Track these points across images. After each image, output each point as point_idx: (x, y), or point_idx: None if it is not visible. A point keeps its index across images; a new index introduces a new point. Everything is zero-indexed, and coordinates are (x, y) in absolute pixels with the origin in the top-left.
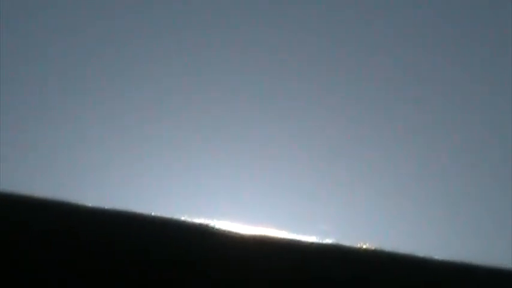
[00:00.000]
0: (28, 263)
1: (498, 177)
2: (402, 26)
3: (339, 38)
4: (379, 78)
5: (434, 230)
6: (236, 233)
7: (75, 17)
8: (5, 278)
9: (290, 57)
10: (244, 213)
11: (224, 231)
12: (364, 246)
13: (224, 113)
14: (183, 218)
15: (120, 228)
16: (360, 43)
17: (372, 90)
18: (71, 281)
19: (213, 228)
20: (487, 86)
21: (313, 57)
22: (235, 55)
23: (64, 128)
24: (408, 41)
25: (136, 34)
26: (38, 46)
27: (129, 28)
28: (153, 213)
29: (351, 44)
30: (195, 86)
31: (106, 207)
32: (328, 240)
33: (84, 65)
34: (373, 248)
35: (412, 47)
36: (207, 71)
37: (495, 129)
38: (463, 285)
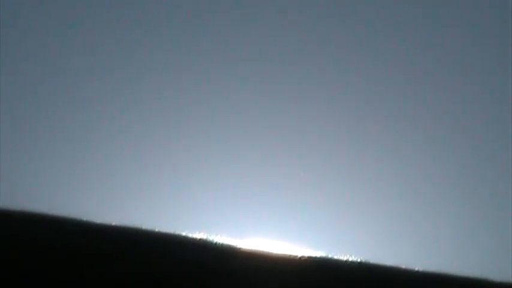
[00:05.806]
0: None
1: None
2: (402, 27)
3: (340, 38)
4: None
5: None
6: (234, 248)
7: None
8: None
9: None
10: (240, 226)
11: (223, 245)
12: (351, 259)
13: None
14: (183, 234)
15: (121, 243)
16: (360, 43)
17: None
18: None
19: (212, 242)
20: (487, 86)
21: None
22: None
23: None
24: (408, 41)
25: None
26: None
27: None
28: (155, 229)
29: (351, 44)
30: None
31: (105, 223)
32: (318, 254)
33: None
34: (359, 260)
35: (412, 47)
36: (203, 98)
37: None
38: None
